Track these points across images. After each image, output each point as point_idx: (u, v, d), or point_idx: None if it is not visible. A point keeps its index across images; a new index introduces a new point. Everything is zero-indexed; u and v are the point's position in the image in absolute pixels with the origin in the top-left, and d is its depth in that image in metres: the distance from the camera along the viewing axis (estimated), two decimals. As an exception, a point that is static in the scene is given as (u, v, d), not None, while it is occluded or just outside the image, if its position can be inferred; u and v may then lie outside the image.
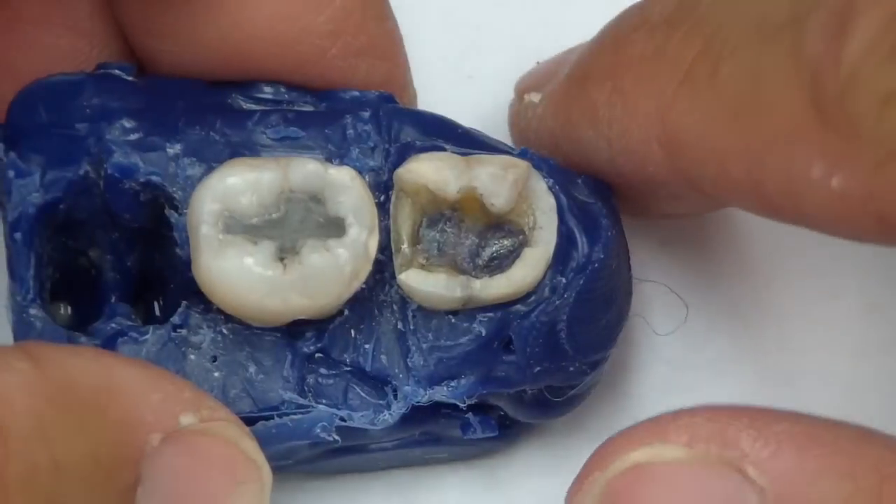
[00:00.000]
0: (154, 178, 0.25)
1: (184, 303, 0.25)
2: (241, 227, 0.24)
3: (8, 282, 0.25)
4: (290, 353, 0.25)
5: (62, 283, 0.26)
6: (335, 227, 0.24)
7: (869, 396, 0.30)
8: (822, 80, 0.20)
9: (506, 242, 0.25)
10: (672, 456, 0.21)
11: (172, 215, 0.25)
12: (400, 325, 0.25)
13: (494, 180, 0.24)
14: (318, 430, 0.25)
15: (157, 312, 0.26)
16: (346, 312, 0.25)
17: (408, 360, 0.25)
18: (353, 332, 0.25)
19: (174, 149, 0.25)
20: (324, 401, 0.25)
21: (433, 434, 0.27)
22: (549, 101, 0.27)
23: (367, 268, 0.24)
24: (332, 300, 0.24)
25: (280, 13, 0.25)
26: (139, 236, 0.26)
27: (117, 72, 0.26)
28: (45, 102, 0.25)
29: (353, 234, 0.24)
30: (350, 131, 0.26)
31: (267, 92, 0.26)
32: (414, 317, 0.25)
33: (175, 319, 0.25)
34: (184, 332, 0.25)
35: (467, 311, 0.25)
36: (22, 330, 0.24)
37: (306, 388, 0.25)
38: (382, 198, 0.25)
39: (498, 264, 0.25)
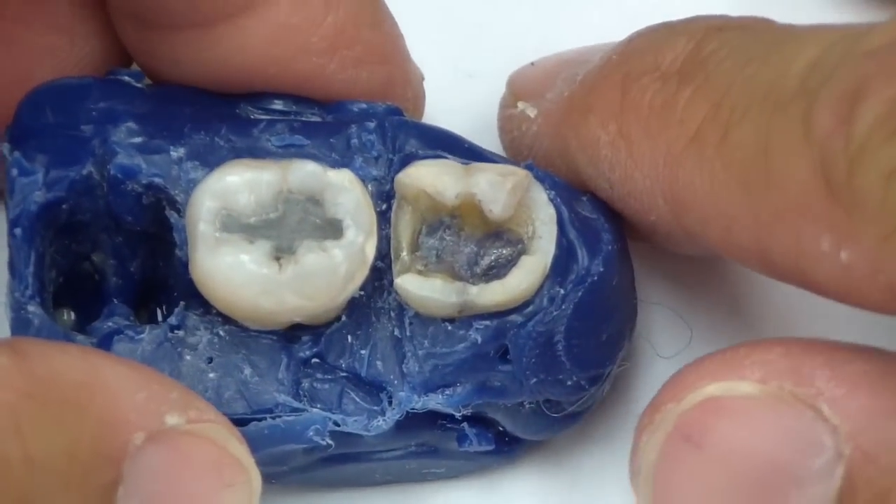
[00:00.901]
0: (157, 180, 0.25)
1: (181, 303, 0.25)
2: (238, 227, 0.24)
3: (7, 279, 0.25)
4: (285, 357, 0.25)
5: (66, 289, 0.26)
6: (333, 230, 0.24)
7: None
8: (832, 156, 0.20)
9: (504, 251, 0.25)
10: (746, 391, 0.21)
11: (173, 216, 0.25)
12: (396, 332, 0.25)
13: (493, 186, 0.24)
14: (311, 433, 0.24)
15: (160, 319, 0.26)
16: (344, 318, 0.25)
17: (403, 366, 0.25)
18: (349, 337, 0.25)
19: (178, 152, 0.25)
20: (318, 405, 0.25)
21: (430, 446, 0.27)
22: (546, 120, 0.27)
23: (363, 271, 0.24)
24: (327, 301, 0.24)
25: (274, 37, 0.25)
26: (142, 241, 0.26)
27: (126, 78, 0.26)
28: (53, 104, 0.25)
29: (349, 235, 0.24)
30: (354, 140, 0.26)
31: (276, 104, 0.26)
32: (411, 324, 0.25)
33: (172, 320, 0.25)
34: (180, 332, 0.25)
35: (464, 318, 0.25)
36: (20, 327, 0.24)
37: (301, 392, 0.25)
38: (384, 207, 0.25)
39: (496, 273, 0.25)
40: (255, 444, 0.24)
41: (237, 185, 0.24)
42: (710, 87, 0.23)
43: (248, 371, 0.25)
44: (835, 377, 0.21)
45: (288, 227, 0.24)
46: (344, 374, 0.25)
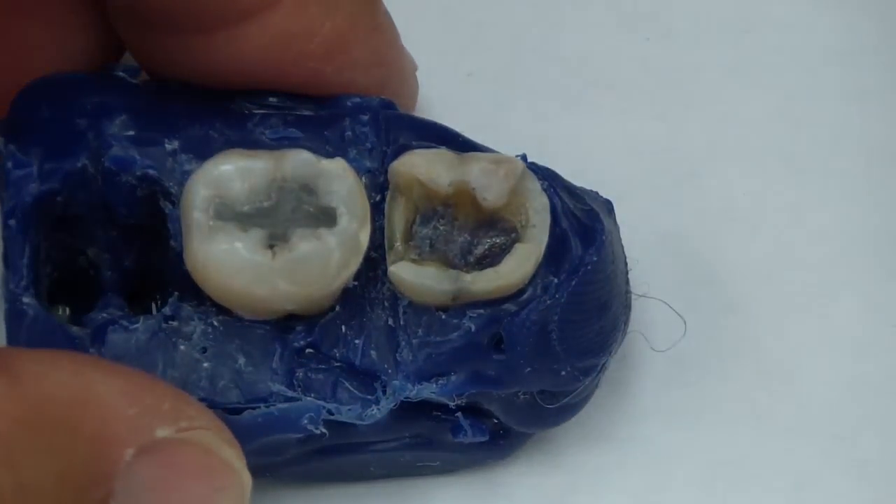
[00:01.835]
0: (151, 171, 0.25)
1: (175, 293, 0.25)
2: (231, 215, 0.24)
3: (2, 270, 0.25)
4: (279, 347, 0.25)
5: (61, 285, 0.26)
6: (326, 218, 0.24)
7: (869, 396, 0.29)
8: None
9: (498, 240, 0.25)
10: None
11: (167, 206, 0.25)
12: (390, 322, 0.25)
13: (486, 174, 0.25)
14: (305, 422, 0.24)
15: (155, 313, 0.26)
16: (338, 309, 0.25)
17: (397, 355, 0.25)
18: (343, 327, 0.25)
19: (172, 144, 0.25)
20: (312, 394, 0.25)
21: (424, 437, 0.26)
22: None
23: (356, 259, 0.24)
24: (321, 288, 0.24)
25: (274, 44, 0.25)
26: (137, 234, 0.26)
27: (121, 74, 0.26)
28: (48, 98, 0.25)
29: (343, 223, 0.24)
30: (348, 133, 0.26)
31: (271, 100, 0.27)
32: (405, 313, 0.25)
33: (166, 310, 0.25)
34: (175, 323, 0.25)
35: (458, 307, 0.25)
36: (14, 318, 0.24)
37: (295, 382, 0.25)
38: (378, 198, 0.25)
39: (490, 262, 0.25)
40: (249, 433, 0.24)
41: (231, 173, 0.24)
42: None
43: (242, 361, 0.25)
44: None
45: (282, 215, 0.24)
46: (338, 363, 0.25)
